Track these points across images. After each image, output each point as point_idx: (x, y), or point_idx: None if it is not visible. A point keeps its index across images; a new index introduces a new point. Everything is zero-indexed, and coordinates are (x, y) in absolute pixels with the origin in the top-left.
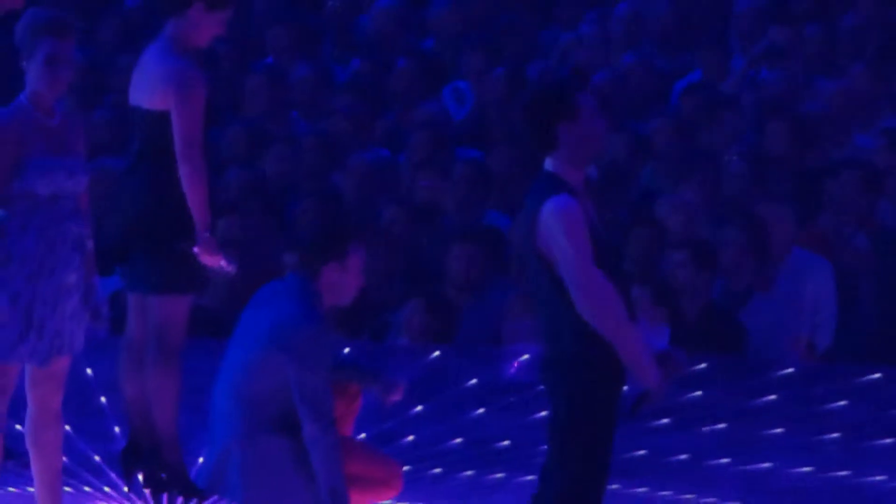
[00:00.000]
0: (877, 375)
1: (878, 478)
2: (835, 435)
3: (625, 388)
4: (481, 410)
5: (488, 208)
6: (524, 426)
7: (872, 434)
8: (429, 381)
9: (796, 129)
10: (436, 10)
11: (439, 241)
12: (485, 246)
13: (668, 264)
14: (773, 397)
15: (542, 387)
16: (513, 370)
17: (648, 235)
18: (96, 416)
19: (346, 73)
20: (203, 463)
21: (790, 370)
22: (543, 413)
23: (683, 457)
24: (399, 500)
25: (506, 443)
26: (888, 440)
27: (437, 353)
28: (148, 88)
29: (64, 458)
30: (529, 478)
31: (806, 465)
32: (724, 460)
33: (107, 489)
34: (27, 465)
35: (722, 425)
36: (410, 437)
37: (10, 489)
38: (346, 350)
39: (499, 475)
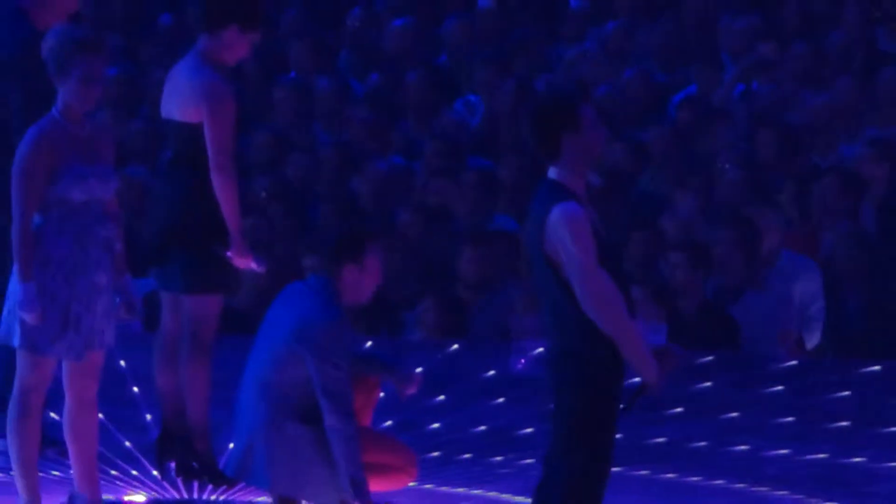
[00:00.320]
0: (876, 368)
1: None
2: (844, 423)
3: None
4: (501, 400)
5: (497, 213)
6: (542, 415)
7: (876, 422)
8: (442, 373)
9: (785, 139)
10: (448, 27)
11: (451, 244)
12: (494, 248)
13: (665, 265)
14: (780, 388)
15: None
16: (520, 364)
17: (647, 238)
18: (130, 406)
19: (364, 87)
20: (231, 451)
21: (793, 362)
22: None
23: (703, 443)
24: (430, 484)
25: (528, 430)
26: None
27: (453, 347)
28: (180, 101)
29: (99, 447)
30: None
31: (821, 452)
32: (743, 447)
33: (141, 476)
34: (65, 454)
35: (735, 413)
36: (436, 425)
37: (54, 472)
38: (366, 345)
39: (529, 460)
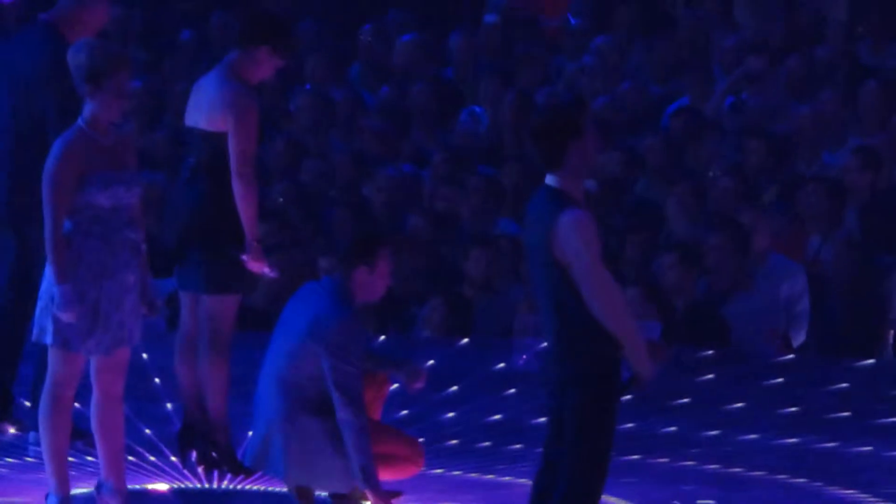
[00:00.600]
0: (871, 361)
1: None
2: (845, 413)
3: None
4: (504, 393)
5: (500, 217)
6: (543, 409)
7: (880, 412)
8: (449, 369)
9: (772, 148)
10: (454, 42)
11: (458, 247)
12: (497, 250)
13: (658, 266)
14: (780, 380)
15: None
16: (522, 360)
17: (641, 241)
18: (152, 399)
19: (375, 98)
20: (249, 442)
21: (791, 357)
22: None
23: (715, 433)
24: (440, 469)
25: (530, 421)
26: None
27: (459, 343)
28: (207, 111)
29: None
30: None
31: (831, 441)
32: (753, 436)
33: (163, 465)
34: (93, 444)
35: (740, 404)
36: (443, 417)
37: (89, 458)
38: (376, 342)
39: (525, 447)
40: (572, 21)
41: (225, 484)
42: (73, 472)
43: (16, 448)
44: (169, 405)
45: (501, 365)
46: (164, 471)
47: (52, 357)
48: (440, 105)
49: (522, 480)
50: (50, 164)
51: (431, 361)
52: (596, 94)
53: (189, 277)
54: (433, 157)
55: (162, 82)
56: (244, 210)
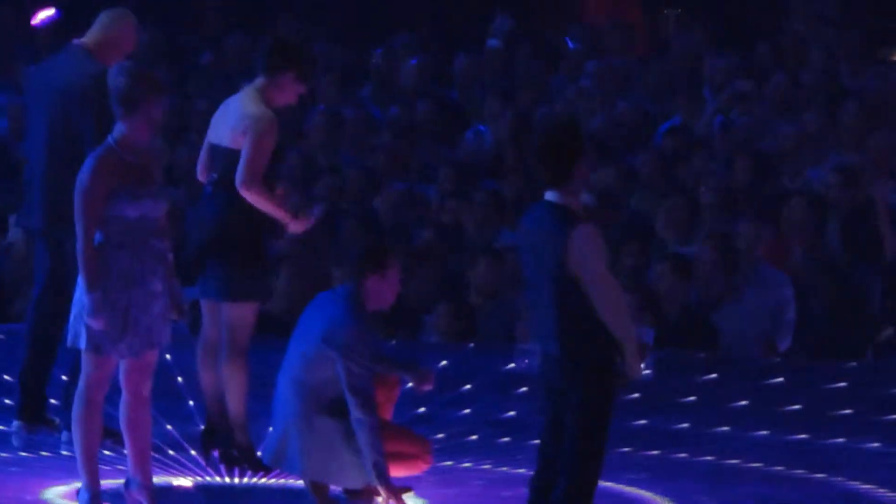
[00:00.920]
0: (853, 364)
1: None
2: (847, 411)
3: None
4: (507, 394)
5: (503, 229)
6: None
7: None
8: (455, 372)
9: (758, 164)
10: (459, 65)
11: (463, 256)
12: (501, 260)
13: (651, 275)
14: (780, 379)
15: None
16: (524, 364)
17: (636, 251)
18: (176, 398)
19: (385, 117)
20: (268, 441)
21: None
22: None
23: (725, 429)
24: (449, 461)
25: (533, 420)
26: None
27: (464, 347)
28: (229, 129)
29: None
30: None
31: (839, 437)
32: (764, 432)
33: (188, 463)
34: (121, 443)
35: (744, 402)
36: (467, 410)
37: (124, 450)
38: (387, 346)
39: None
40: (570, 44)
41: (245, 480)
42: (105, 468)
43: (50, 445)
44: (191, 402)
45: (498, 371)
46: (188, 468)
47: (85, 361)
48: (445, 123)
49: (521, 471)
50: (82, 178)
51: (444, 362)
52: (593, 114)
53: (210, 286)
54: (439, 172)
55: (183, 101)
56: (266, 209)
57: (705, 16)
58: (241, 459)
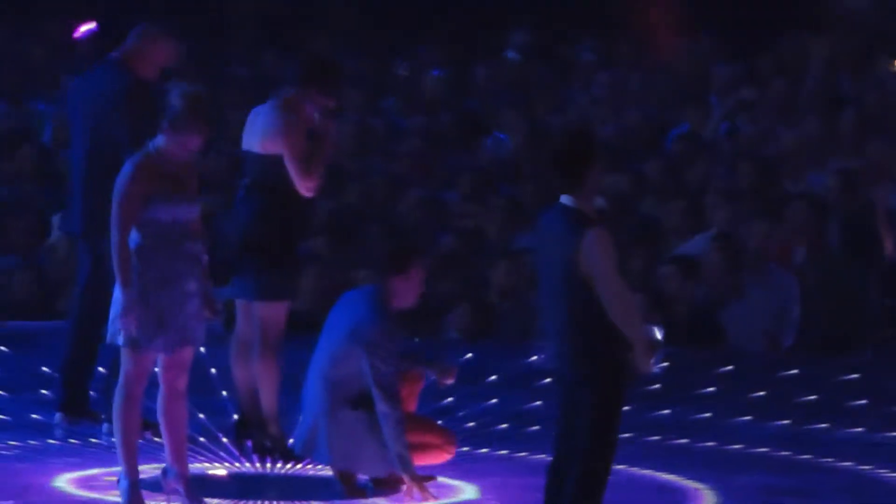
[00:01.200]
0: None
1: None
2: (862, 401)
3: None
4: (524, 389)
5: (521, 232)
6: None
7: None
8: (476, 367)
9: (762, 169)
10: (479, 76)
11: (483, 259)
12: (519, 262)
13: (660, 276)
14: (794, 371)
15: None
16: (542, 360)
17: (646, 253)
18: (211, 392)
19: (408, 126)
20: (298, 433)
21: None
22: None
23: (748, 418)
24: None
25: (548, 413)
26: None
27: (483, 345)
28: (260, 136)
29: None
30: None
31: (856, 427)
32: (785, 421)
33: (222, 453)
34: (159, 434)
35: (761, 392)
36: (494, 400)
37: (157, 440)
38: (411, 343)
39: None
40: (583, 55)
41: (277, 468)
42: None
43: (92, 435)
44: (224, 392)
45: (516, 367)
46: (222, 458)
47: (124, 357)
48: (466, 132)
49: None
50: (119, 183)
51: (469, 354)
52: (605, 122)
53: (243, 286)
54: (460, 178)
55: (217, 112)
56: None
57: (712, 26)
58: (273, 449)
